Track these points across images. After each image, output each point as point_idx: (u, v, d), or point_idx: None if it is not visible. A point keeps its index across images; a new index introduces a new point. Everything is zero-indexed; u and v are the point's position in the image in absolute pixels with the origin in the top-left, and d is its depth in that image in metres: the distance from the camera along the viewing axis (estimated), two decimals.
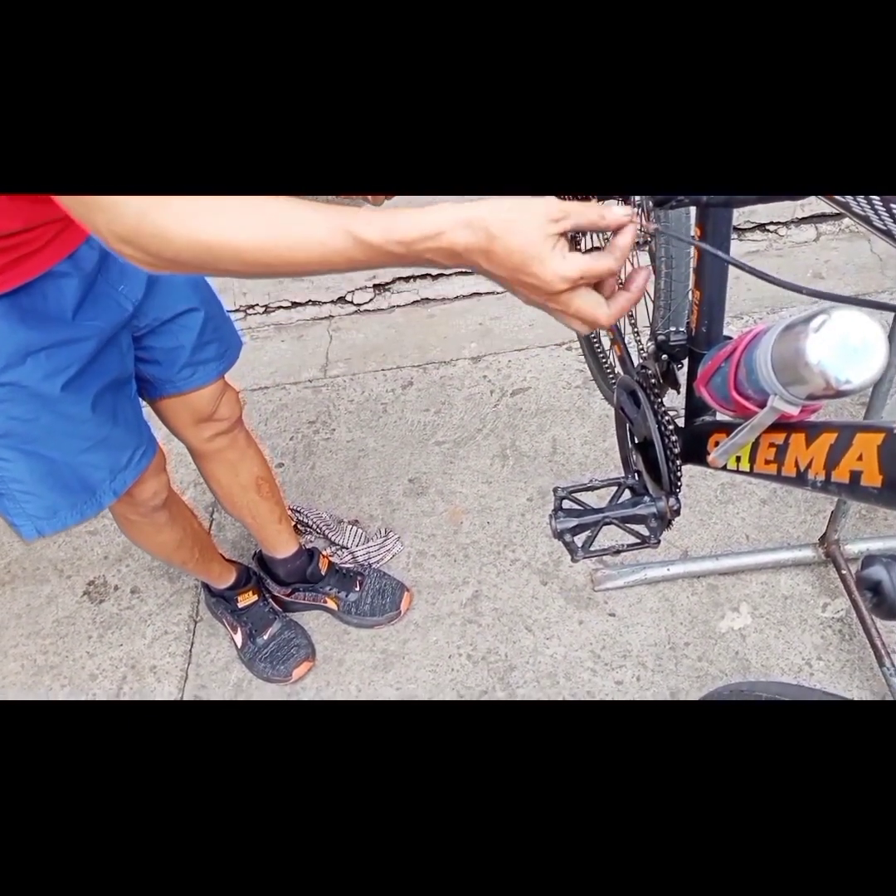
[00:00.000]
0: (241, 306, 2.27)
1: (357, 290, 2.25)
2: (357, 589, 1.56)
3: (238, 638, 1.54)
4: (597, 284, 0.61)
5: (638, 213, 1.06)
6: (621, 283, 0.64)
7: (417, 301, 2.26)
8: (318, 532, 1.71)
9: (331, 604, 1.57)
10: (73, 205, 0.61)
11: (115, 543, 1.78)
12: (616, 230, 0.60)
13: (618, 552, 0.94)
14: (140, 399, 1.17)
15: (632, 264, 0.66)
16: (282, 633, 1.52)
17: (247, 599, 1.54)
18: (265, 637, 1.52)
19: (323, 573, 1.56)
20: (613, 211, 0.60)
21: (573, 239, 0.88)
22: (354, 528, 1.70)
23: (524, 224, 0.57)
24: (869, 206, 0.44)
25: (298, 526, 1.73)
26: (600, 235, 1.17)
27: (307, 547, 1.59)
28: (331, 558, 1.62)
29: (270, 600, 1.58)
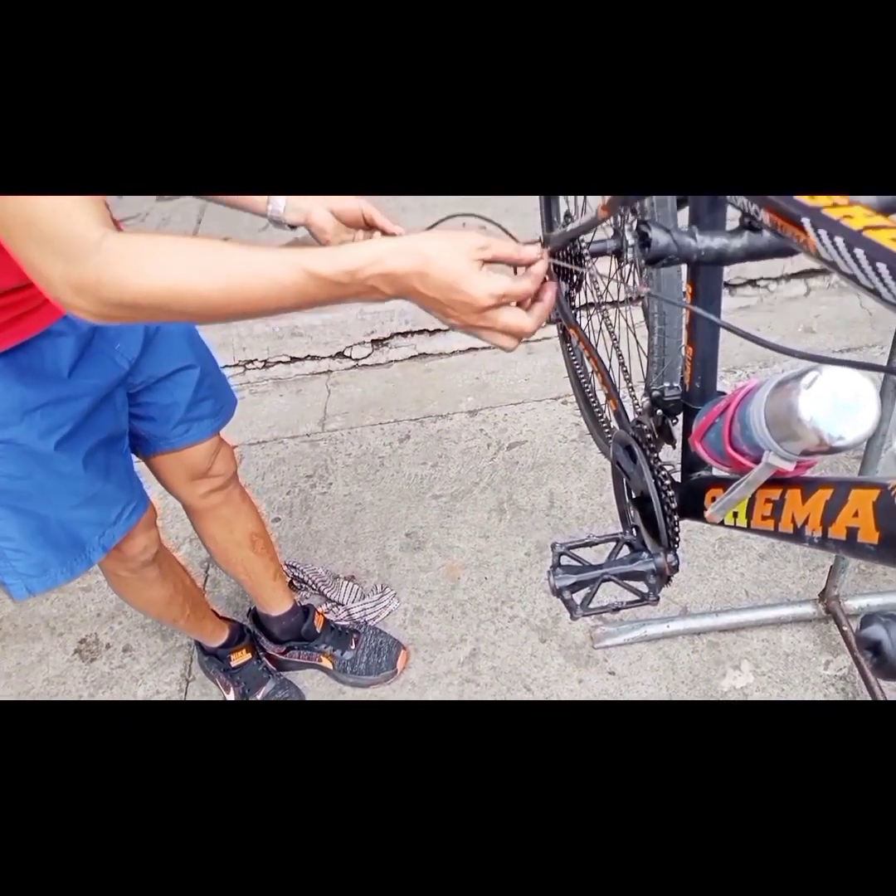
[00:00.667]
0: (240, 361, 2.29)
1: (355, 345, 2.27)
2: (352, 647, 1.54)
3: (231, 697, 1.51)
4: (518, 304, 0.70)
5: (630, 269, 1.07)
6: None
7: (415, 356, 2.28)
8: (313, 588, 1.69)
9: (326, 662, 1.54)
10: (31, 252, 0.62)
11: (108, 600, 1.75)
12: (529, 264, 0.70)
13: (617, 610, 0.93)
14: (133, 455, 1.17)
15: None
16: (276, 692, 1.50)
17: (240, 658, 1.52)
18: (259, 696, 1.49)
19: (318, 631, 1.54)
20: (527, 249, 0.71)
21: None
22: (350, 584, 1.68)
23: (454, 251, 0.65)
24: (855, 264, 0.45)
25: (294, 582, 1.71)
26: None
27: (302, 604, 1.57)
28: (326, 615, 1.60)
29: (264, 659, 1.55)
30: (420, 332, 2.26)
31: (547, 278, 0.71)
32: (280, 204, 0.93)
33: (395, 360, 2.28)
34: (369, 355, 2.29)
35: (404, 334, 2.27)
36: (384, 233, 0.97)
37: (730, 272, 2.19)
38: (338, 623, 1.59)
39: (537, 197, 1.38)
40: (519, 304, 0.70)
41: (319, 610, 1.59)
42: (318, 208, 0.93)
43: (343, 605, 1.64)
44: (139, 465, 1.19)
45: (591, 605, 0.93)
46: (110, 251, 0.61)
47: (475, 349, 2.26)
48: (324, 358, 2.29)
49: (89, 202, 0.62)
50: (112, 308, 0.63)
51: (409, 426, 2.06)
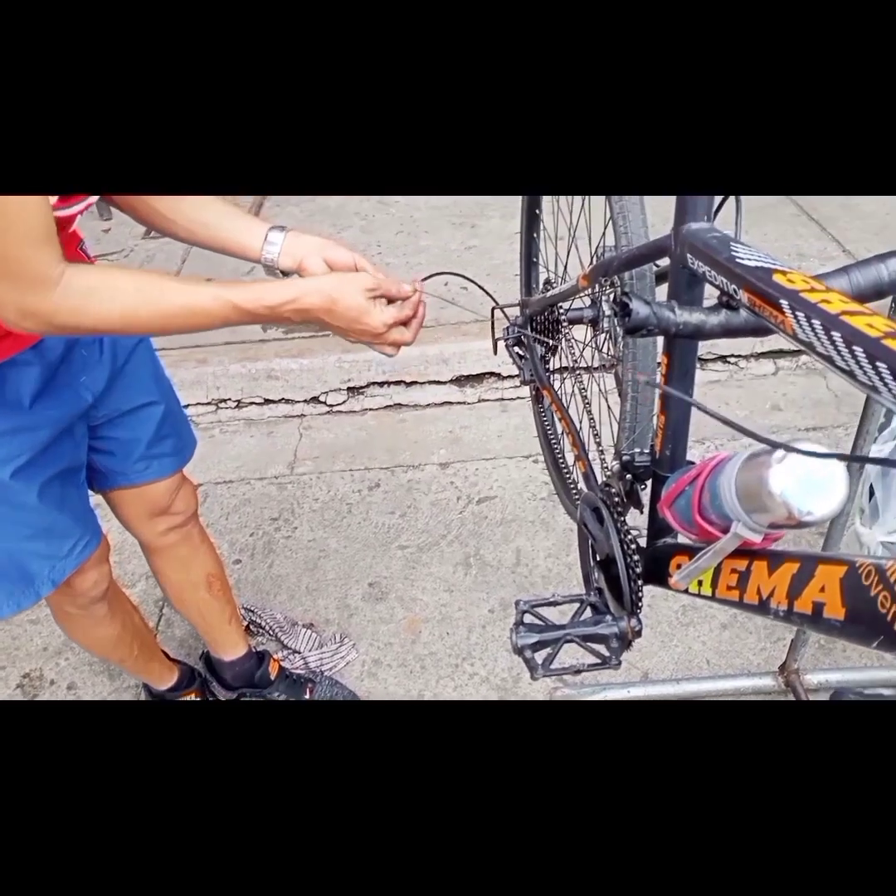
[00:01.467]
0: (213, 399, 2.28)
1: (331, 391, 2.27)
2: (307, 696, 1.50)
3: None
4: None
5: (606, 340, 1.10)
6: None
7: (390, 406, 2.29)
8: (270, 634, 1.66)
9: None
10: None
11: (56, 635, 1.69)
12: (406, 297, 0.92)
13: (578, 672, 0.92)
14: (90, 489, 1.15)
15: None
16: None
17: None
18: None
19: (272, 678, 1.50)
20: (403, 284, 0.93)
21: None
22: (309, 631, 1.65)
23: (355, 291, 0.86)
24: (832, 347, 0.47)
25: (251, 626, 1.67)
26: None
27: (257, 649, 1.53)
28: (281, 663, 1.56)
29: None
30: (397, 382, 2.28)
31: (421, 301, 0.94)
32: (275, 251, 0.94)
33: (370, 409, 2.29)
34: (344, 402, 2.29)
35: (381, 384, 2.28)
36: None
37: (702, 348, 2.24)
38: (293, 671, 1.55)
39: (518, 264, 1.41)
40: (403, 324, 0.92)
41: (275, 657, 1.56)
42: (312, 256, 0.94)
43: (300, 652, 1.61)
44: (96, 499, 1.16)
45: (553, 666, 0.93)
46: (68, 286, 0.73)
47: (450, 403, 2.28)
48: (298, 402, 2.29)
49: (51, 241, 0.71)
50: (60, 330, 0.77)
51: (380, 474, 2.06)
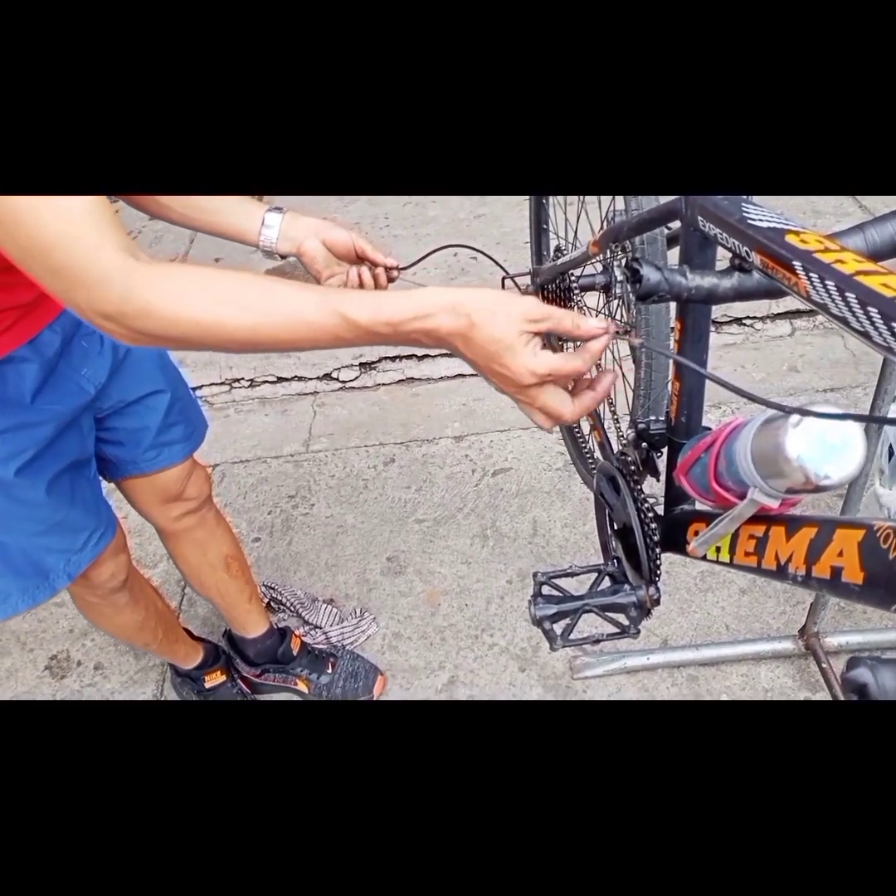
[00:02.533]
0: (226, 380, 2.28)
1: (343, 367, 2.27)
2: (329, 671, 1.52)
3: None
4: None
5: (619, 307, 1.08)
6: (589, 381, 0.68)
7: (402, 380, 2.28)
8: (291, 610, 1.67)
9: (301, 686, 1.52)
10: (53, 283, 0.61)
11: (81, 617, 1.72)
12: (587, 339, 0.65)
13: (597, 641, 0.92)
14: (102, 478, 1.15)
15: (601, 363, 0.70)
16: None
17: (214, 680, 1.49)
18: None
19: (294, 654, 1.52)
20: (588, 321, 0.65)
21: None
22: (329, 607, 1.67)
23: (504, 318, 0.61)
24: (847, 308, 0.46)
25: (271, 603, 1.69)
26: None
27: (279, 626, 1.55)
28: (303, 638, 1.58)
29: (239, 682, 1.53)
30: (408, 356, 2.27)
31: (605, 366, 0.66)
32: (272, 235, 0.92)
33: (383, 384, 2.29)
34: (357, 378, 2.29)
35: (393, 358, 2.27)
36: (375, 265, 0.96)
37: (716, 310, 2.22)
38: (315, 646, 1.57)
39: (528, 231, 1.39)
40: (574, 385, 0.67)
41: (296, 632, 1.58)
42: (310, 239, 0.92)
43: (321, 628, 1.62)
44: (108, 487, 1.16)
45: (572, 636, 0.93)
46: (138, 282, 0.60)
47: (463, 376, 2.27)
48: (311, 379, 2.29)
49: (105, 226, 0.60)
50: (140, 336, 0.62)
51: (395, 450, 2.06)
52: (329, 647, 1.58)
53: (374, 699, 1.50)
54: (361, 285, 0.95)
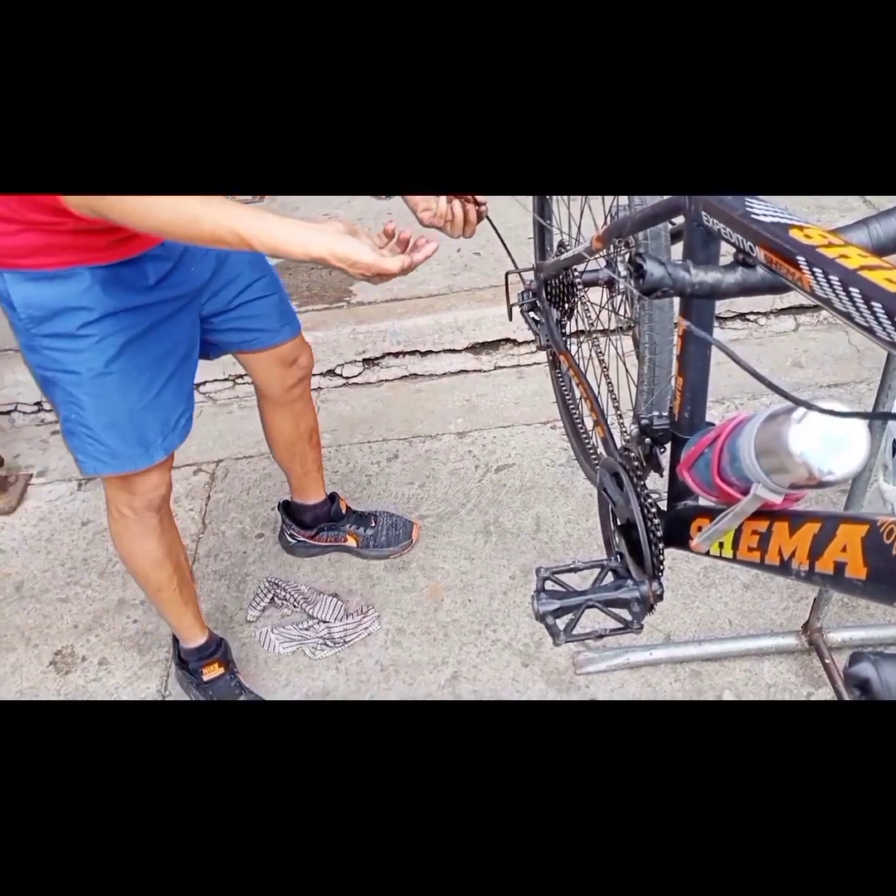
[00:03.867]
0: (230, 375, 2.28)
1: (346, 363, 2.27)
2: (373, 525, 1.76)
3: None
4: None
5: (622, 302, 1.08)
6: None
7: (406, 376, 2.28)
8: (295, 606, 1.68)
9: (351, 541, 1.75)
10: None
11: (86, 612, 1.73)
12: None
13: (600, 637, 0.93)
14: (227, 354, 1.43)
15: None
16: None
17: (212, 672, 1.50)
18: None
19: (343, 513, 1.75)
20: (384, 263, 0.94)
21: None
22: (334, 600, 1.67)
23: (344, 266, 0.91)
24: (850, 303, 0.46)
25: (275, 599, 1.70)
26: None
27: (329, 493, 1.76)
28: (347, 502, 1.79)
29: (237, 675, 1.53)
30: (412, 352, 2.27)
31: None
32: None
33: (386, 380, 2.28)
34: (360, 374, 2.29)
35: (396, 355, 2.27)
36: (466, 201, 1.15)
37: (720, 306, 2.21)
38: (356, 509, 1.79)
39: (532, 226, 1.39)
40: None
41: (342, 497, 1.79)
42: None
43: (326, 622, 1.63)
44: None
45: (574, 632, 0.93)
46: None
47: (466, 372, 2.27)
48: (314, 375, 2.28)
49: None
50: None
51: (398, 445, 2.06)
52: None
53: (413, 543, 1.75)
54: (452, 219, 1.14)
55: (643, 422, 0.99)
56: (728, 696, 1.44)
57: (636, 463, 0.98)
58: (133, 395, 1.18)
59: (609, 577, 0.98)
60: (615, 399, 1.09)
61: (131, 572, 1.42)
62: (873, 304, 0.43)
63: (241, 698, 1.49)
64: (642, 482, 0.94)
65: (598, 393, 1.17)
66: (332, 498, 1.76)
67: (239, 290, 1.33)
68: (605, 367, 1.18)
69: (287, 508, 1.78)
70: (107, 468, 1.21)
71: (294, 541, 1.78)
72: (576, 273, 1.18)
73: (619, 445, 1.07)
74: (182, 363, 1.25)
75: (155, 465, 1.24)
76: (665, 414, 0.98)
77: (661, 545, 0.90)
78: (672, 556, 0.91)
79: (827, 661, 1.41)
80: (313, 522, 1.75)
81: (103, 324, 1.10)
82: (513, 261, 1.19)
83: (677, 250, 0.82)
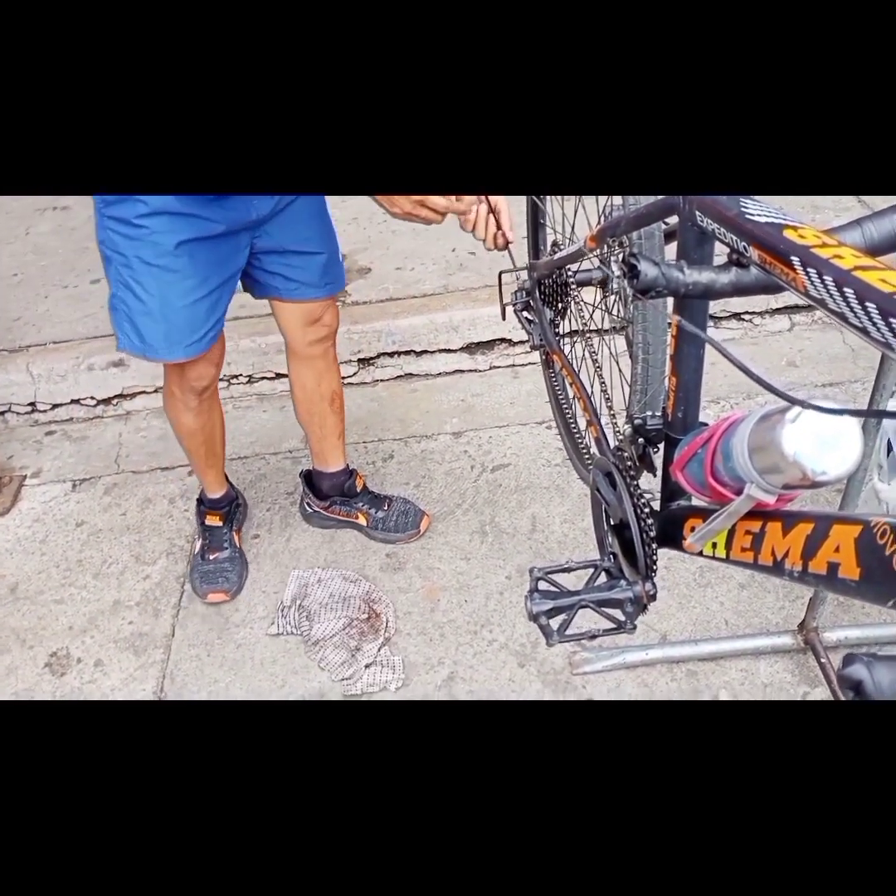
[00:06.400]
0: (224, 375, 2.27)
1: (341, 363, 2.26)
2: (385, 508, 1.78)
3: (196, 547, 1.76)
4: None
5: (616, 302, 1.08)
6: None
7: (401, 376, 2.28)
8: (293, 605, 1.68)
9: (361, 519, 1.78)
10: None
11: (81, 614, 1.73)
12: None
13: (594, 637, 0.93)
14: (263, 297, 1.51)
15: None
16: (224, 561, 1.72)
17: (213, 520, 1.76)
18: (211, 557, 1.72)
19: (357, 490, 1.79)
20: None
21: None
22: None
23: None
24: (844, 303, 0.45)
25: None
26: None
27: (350, 467, 1.82)
28: (365, 479, 1.83)
29: (233, 534, 1.76)
30: (407, 352, 2.27)
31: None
32: None
33: (381, 380, 2.28)
34: (355, 374, 2.28)
35: (391, 355, 2.27)
36: (498, 226, 1.19)
37: (714, 306, 2.22)
38: (372, 489, 1.83)
39: (525, 226, 1.39)
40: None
41: (360, 473, 1.83)
42: None
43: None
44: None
45: (568, 632, 0.93)
46: None
47: (461, 371, 2.27)
48: None
49: None
50: None
51: (393, 445, 2.06)
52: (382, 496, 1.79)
53: (420, 533, 1.76)
54: (474, 220, 1.19)
55: (636, 422, 0.99)
56: (724, 695, 1.44)
57: (629, 463, 0.98)
58: (172, 295, 1.28)
59: (602, 578, 0.98)
60: (608, 399, 1.09)
61: (173, 433, 1.67)
62: (867, 304, 0.43)
63: (225, 550, 1.73)
64: (635, 482, 0.94)
65: (592, 393, 1.17)
66: (350, 473, 1.81)
67: (293, 237, 1.40)
68: (598, 367, 1.18)
69: (308, 478, 1.84)
70: (135, 350, 1.34)
71: (310, 510, 1.83)
72: (569, 272, 1.18)
73: (612, 445, 1.07)
74: (224, 284, 1.35)
75: (205, 355, 1.40)
76: (658, 414, 0.98)
77: (654, 545, 0.89)
78: (668, 555, 0.90)
79: (823, 660, 1.41)
80: (329, 492, 1.79)
81: (157, 220, 1.22)
82: (512, 259, 1.19)
83: (671, 250, 0.82)
